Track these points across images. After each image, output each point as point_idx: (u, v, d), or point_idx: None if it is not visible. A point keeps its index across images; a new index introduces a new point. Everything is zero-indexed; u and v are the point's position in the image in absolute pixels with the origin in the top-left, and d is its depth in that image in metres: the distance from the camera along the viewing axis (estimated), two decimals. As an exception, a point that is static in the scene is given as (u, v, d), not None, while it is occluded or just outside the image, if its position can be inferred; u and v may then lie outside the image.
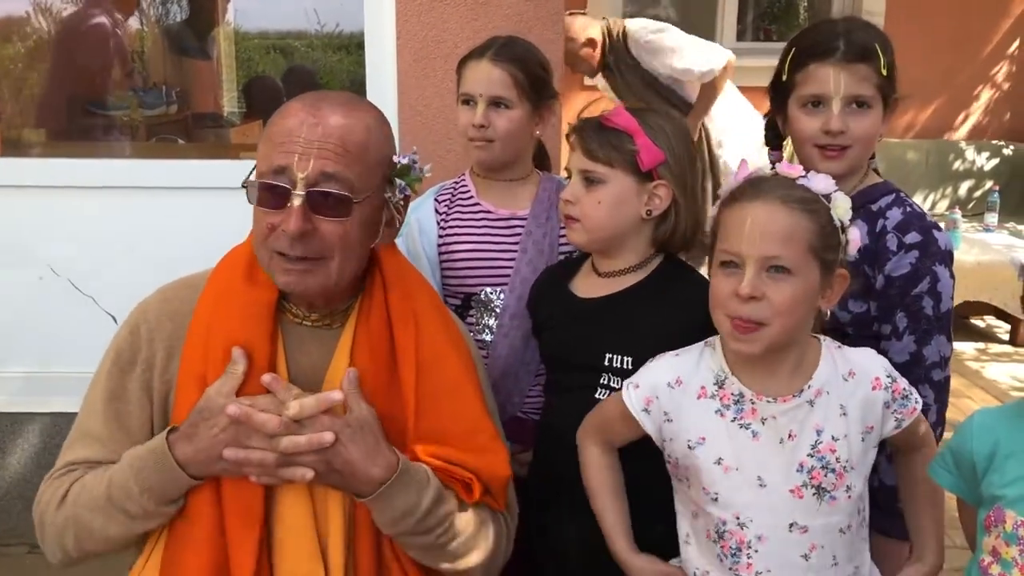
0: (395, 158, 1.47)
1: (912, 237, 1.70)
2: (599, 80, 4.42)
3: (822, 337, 1.53)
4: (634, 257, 1.74)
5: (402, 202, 1.50)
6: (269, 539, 1.42)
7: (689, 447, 1.51)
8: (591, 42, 4.20)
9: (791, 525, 1.46)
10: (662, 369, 1.56)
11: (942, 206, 5.71)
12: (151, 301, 1.54)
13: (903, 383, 1.51)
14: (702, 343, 1.56)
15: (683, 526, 1.59)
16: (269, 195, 1.38)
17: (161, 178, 3.05)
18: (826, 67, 1.69)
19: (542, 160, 2.21)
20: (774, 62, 1.81)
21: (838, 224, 1.43)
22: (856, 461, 1.47)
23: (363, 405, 1.42)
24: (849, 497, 1.47)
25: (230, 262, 1.52)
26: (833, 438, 1.46)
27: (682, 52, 4.11)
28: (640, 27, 4.22)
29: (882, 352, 1.68)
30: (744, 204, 1.43)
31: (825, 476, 1.45)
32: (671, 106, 4.15)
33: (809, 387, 1.47)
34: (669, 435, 1.54)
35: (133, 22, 4.09)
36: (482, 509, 1.53)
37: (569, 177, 1.76)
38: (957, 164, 5.76)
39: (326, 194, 1.36)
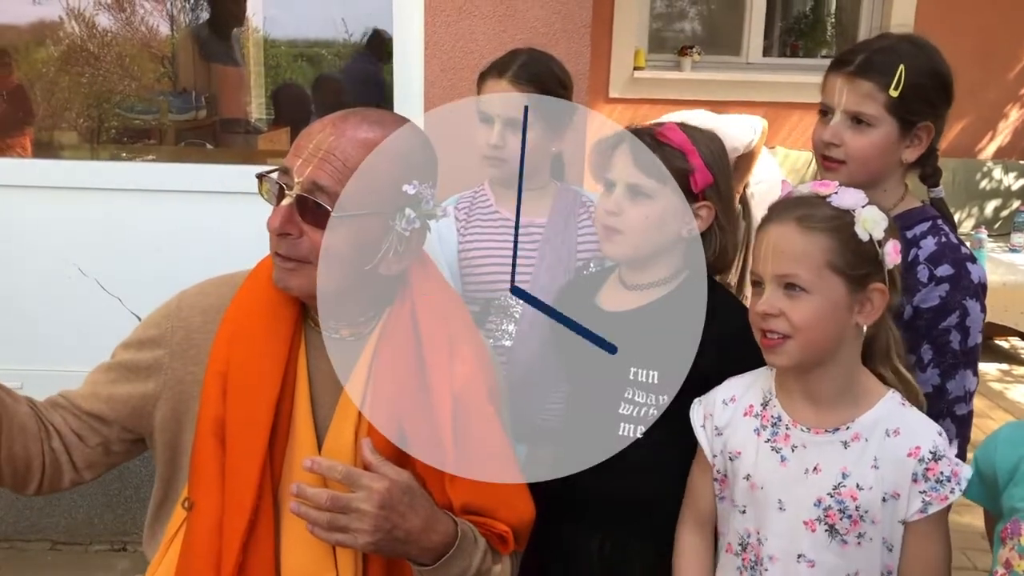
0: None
1: (944, 270, 1.66)
2: None
3: (893, 391, 1.49)
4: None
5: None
6: (278, 531, 1.43)
7: (730, 459, 1.54)
8: None
9: (799, 556, 1.46)
10: (724, 387, 1.60)
11: (968, 225, 5.67)
12: (190, 291, 1.57)
13: (945, 469, 1.42)
14: (767, 367, 1.56)
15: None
16: (269, 188, 1.43)
17: (189, 182, 3.08)
18: (834, 78, 1.69)
19: (558, 169, 2.21)
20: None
21: (866, 238, 1.41)
22: (876, 516, 1.43)
23: (401, 472, 1.39)
24: (860, 544, 1.44)
25: (262, 267, 1.54)
26: (858, 486, 1.43)
27: (719, 134, 4.16)
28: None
29: None
30: (767, 226, 1.47)
31: (840, 520, 1.43)
32: None
33: (847, 428, 1.45)
34: (719, 448, 1.56)
35: (163, 28, 4.15)
36: (508, 557, 1.54)
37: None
38: (984, 183, 5.71)
39: (311, 202, 1.38)
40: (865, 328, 1.46)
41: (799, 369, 1.47)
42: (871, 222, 1.41)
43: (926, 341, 1.66)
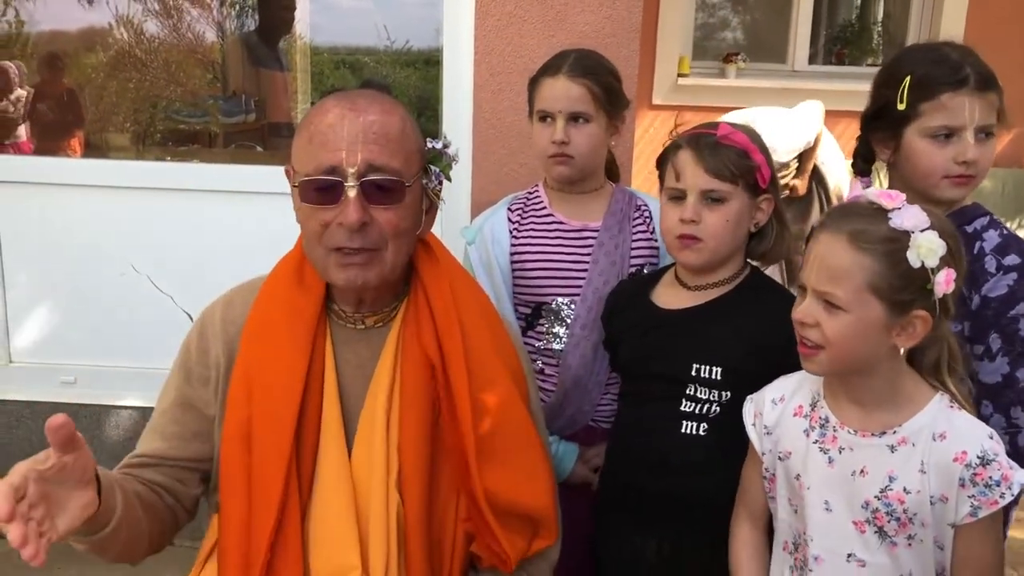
0: (429, 144, 1.51)
1: (1012, 259, 1.68)
2: None
3: (943, 393, 1.46)
4: (729, 271, 1.74)
5: (438, 188, 1.53)
6: (305, 528, 1.44)
7: (779, 459, 1.55)
8: None
9: (849, 555, 1.46)
10: (773, 387, 1.60)
11: (1016, 237, 5.59)
12: (217, 304, 1.59)
13: (994, 474, 1.37)
14: None
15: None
16: (322, 193, 1.41)
17: (239, 182, 3.13)
18: (960, 97, 1.65)
19: (611, 171, 2.20)
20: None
21: (918, 264, 1.36)
22: (926, 519, 1.41)
23: None
24: (910, 545, 1.43)
25: (280, 268, 1.57)
26: (905, 490, 1.41)
27: (779, 140, 4.14)
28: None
29: (972, 372, 1.65)
30: (820, 233, 1.43)
31: (888, 522, 1.43)
32: None
33: (895, 432, 1.44)
34: (768, 446, 1.57)
35: (209, 34, 4.21)
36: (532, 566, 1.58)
37: (683, 196, 1.69)
38: (1034, 194, 5.63)
39: (378, 183, 1.40)
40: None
41: (835, 375, 1.48)
42: (927, 250, 1.35)
43: (994, 330, 1.67)
